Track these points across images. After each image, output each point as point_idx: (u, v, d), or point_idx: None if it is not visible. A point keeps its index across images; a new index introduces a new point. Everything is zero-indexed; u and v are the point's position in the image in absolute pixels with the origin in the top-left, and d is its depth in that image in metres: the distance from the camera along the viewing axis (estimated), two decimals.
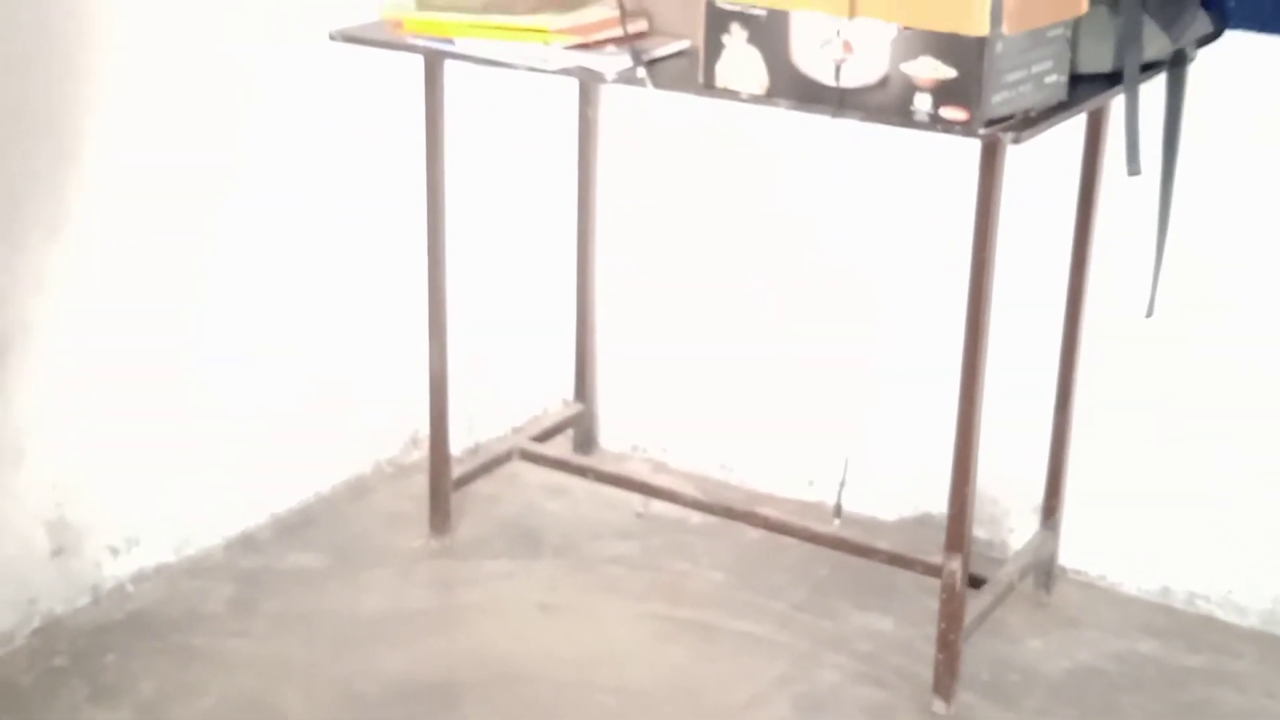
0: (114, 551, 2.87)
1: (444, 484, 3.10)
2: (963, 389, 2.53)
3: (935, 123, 2.24)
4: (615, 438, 3.57)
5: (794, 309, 3.26)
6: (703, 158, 3.28)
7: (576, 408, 3.51)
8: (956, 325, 2.51)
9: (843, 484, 2.88)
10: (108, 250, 2.73)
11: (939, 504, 3.15)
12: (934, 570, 2.73)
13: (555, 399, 3.62)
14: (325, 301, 3.19)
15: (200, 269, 2.91)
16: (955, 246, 2.67)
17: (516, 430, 3.55)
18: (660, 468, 3.49)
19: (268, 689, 2.64)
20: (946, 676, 2.64)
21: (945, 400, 2.75)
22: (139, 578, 2.92)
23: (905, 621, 2.92)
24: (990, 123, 2.23)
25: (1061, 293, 2.87)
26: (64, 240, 2.65)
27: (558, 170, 3.42)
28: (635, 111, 3.30)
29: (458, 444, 3.27)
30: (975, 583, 2.72)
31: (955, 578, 2.59)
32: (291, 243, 3.08)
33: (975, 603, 2.69)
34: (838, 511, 2.86)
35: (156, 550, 2.95)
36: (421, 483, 3.18)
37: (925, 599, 2.94)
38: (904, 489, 3.24)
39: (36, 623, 2.75)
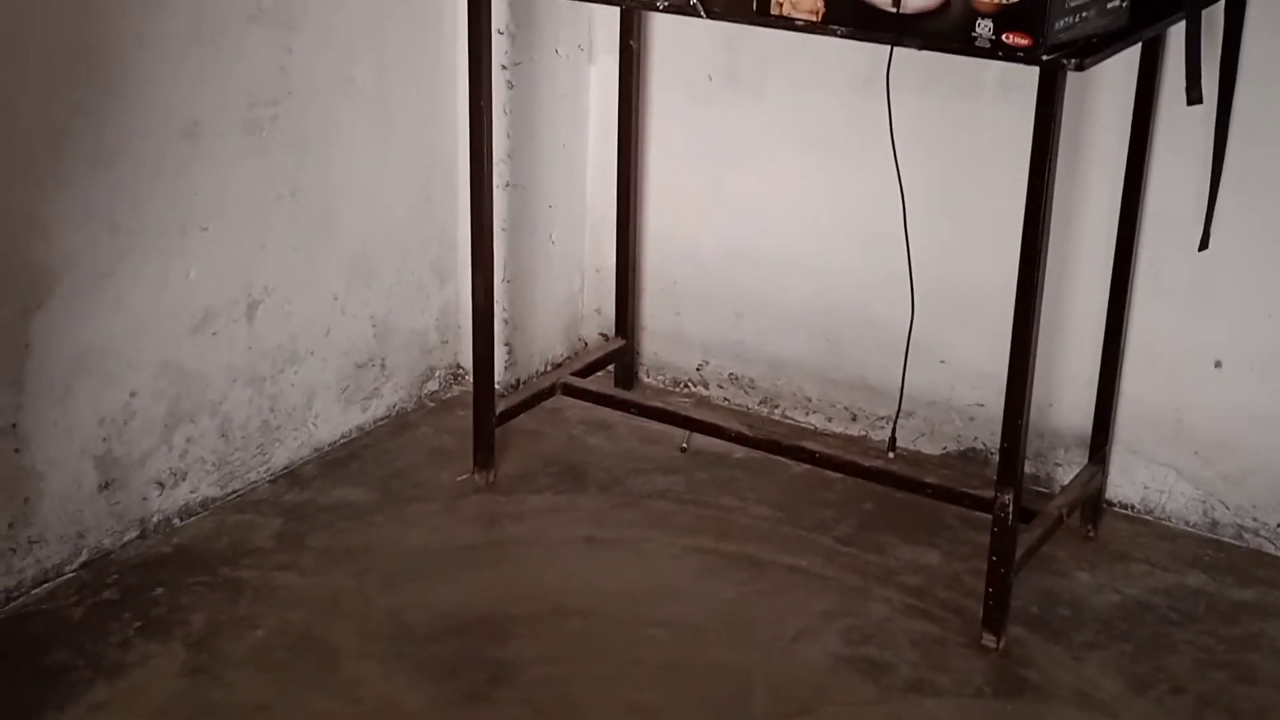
0: (160, 486, 2.87)
1: (487, 419, 3.08)
2: (1016, 322, 2.50)
3: (997, 49, 2.20)
4: (657, 373, 3.56)
5: (837, 238, 3.23)
6: (743, 86, 3.25)
7: (618, 343, 3.49)
8: (1009, 256, 2.48)
9: (897, 416, 2.86)
10: (152, 184, 2.71)
11: (986, 438, 3.15)
12: (983, 504, 2.72)
13: (594, 335, 3.61)
14: (370, 237, 3.17)
15: (249, 202, 2.89)
16: (1008, 175, 2.64)
17: (558, 365, 3.54)
18: (702, 403, 3.48)
19: (318, 621, 2.64)
20: (997, 610, 2.63)
21: (996, 333, 2.74)
22: (186, 512, 2.93)
23: (952, 556, 2.91)
24: (1052, 49, 2.20)
25: (1113, 225, 2.84)
26: (110, 174, 2.63)
27: (603, 101, 3.39)
28: (683, 39, 3.27)
29: (498, 379, 3.26)
30: (1024, 517, 2.70)
31: (1007, 511, 2.57)
32: (333, 174, 3.06)
33: (1024, 537, 2.68)
34: (891, 445, 2.85)
35: (202, 485, 2.95)
36: (464, 418, 3.17)
37: (972, 533, 2.93)
38: (950, 423, 3.22)
39: (85, 556, 2.75)
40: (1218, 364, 2.90)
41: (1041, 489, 3.10)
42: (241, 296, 2.94)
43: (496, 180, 3.09)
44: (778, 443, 3.08)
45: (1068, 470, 3.09)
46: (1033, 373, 2.55)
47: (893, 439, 2.86)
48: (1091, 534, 2.99)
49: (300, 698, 2.45)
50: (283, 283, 3.01)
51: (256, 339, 2.99)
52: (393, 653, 2.57)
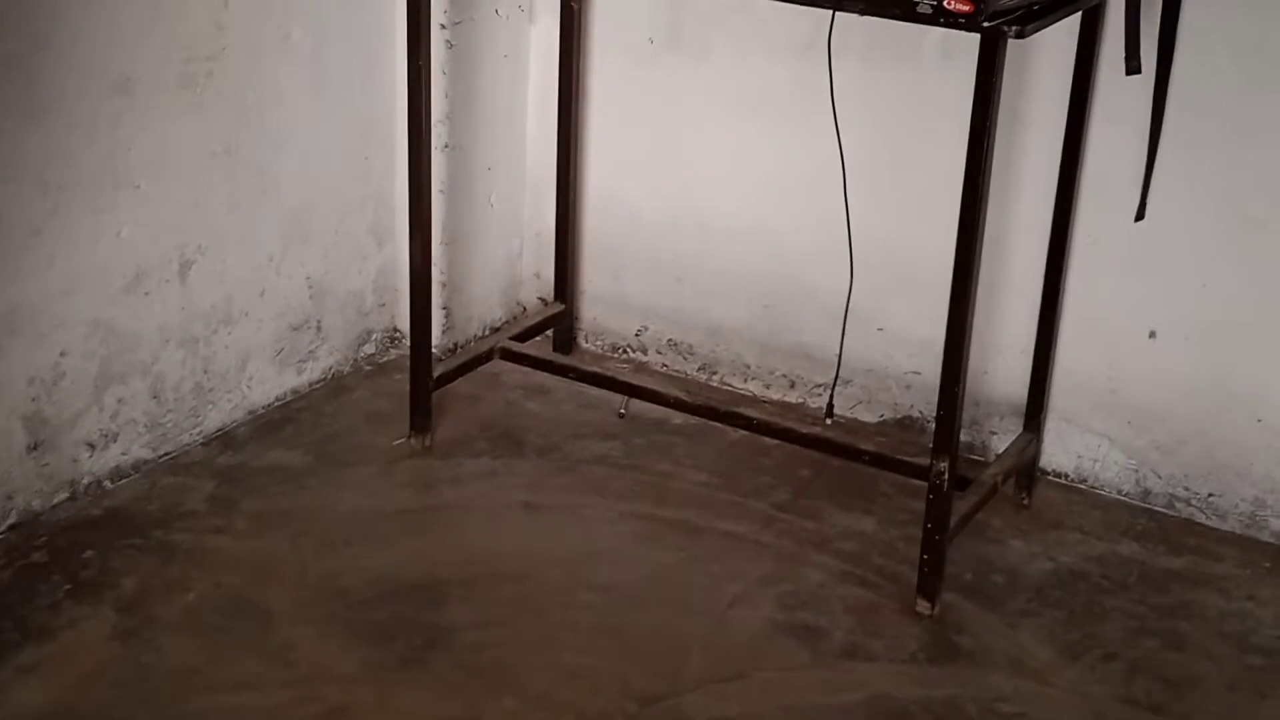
0: (91, 448, 2.83)
1: (424, 383, 3.06)
2: (954, 290, 2.51)
3: (939, 15, 2.20)
4: (596, 339, 3.55)
5: (778, 205, 3.23)
6: (686, 50, 3.23)
7: (557, 307, 3.47)
8: (948, 224, 2.49)
9: (834, 384, 2.87)
10: (84, 140, 2.66)
11: (922, 406, 3.16)
12: (920, 472, 2.73)
13: (533, 299, 3.59)
14: (307, 197, 3.14)
15: (183, 160, 2.85)
16: (947, 144, 2.64)
17: (496, 330, 3.52)
18: (641, 369, 3.47)
19: (251, 586, 2.62)
20: (932, 577, 2.64)
21: (933, 301, 2.75)
22: (117, 474, 2.89)
23: (888, 523, 2.92)
24: (994, 15, 2.19)
25: (1051, 194, 2.85)
26: (41, 129, 2.58)
27: (544, 63, 3.36)
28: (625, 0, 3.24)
29: (435, 343, 3.24)
30: (959, 484, 2.71)
31: (943, 479, 2.58)
32: (269, 133, 3.02)
33: (959, 504, 2.69)
34: (829, 412, 2.86)
35: (134, 447, 2.91)
36: (401, 382, 3.14)
37: (907, 500, 2.95)
38: (887, 391, 3.23)
39: (14, 518, 2.71)
40: (1152, 334, 2.93)
41: (977, 457, 3.12)
42: (175, 255, 2.90)
43: (435, 141, 3.06)
44: (715, 409, 3.09)
45: (1003, 438, 3.10)
46: (969, 341, 2.56)
47: (830, 406, 2.87)
48: (1026, 502, 3.01)
49: (232, 661, 2.42)
50: (217, 242, 2.97)
51: (190, 299, 2.95)
52: (327, 616, 2.55)
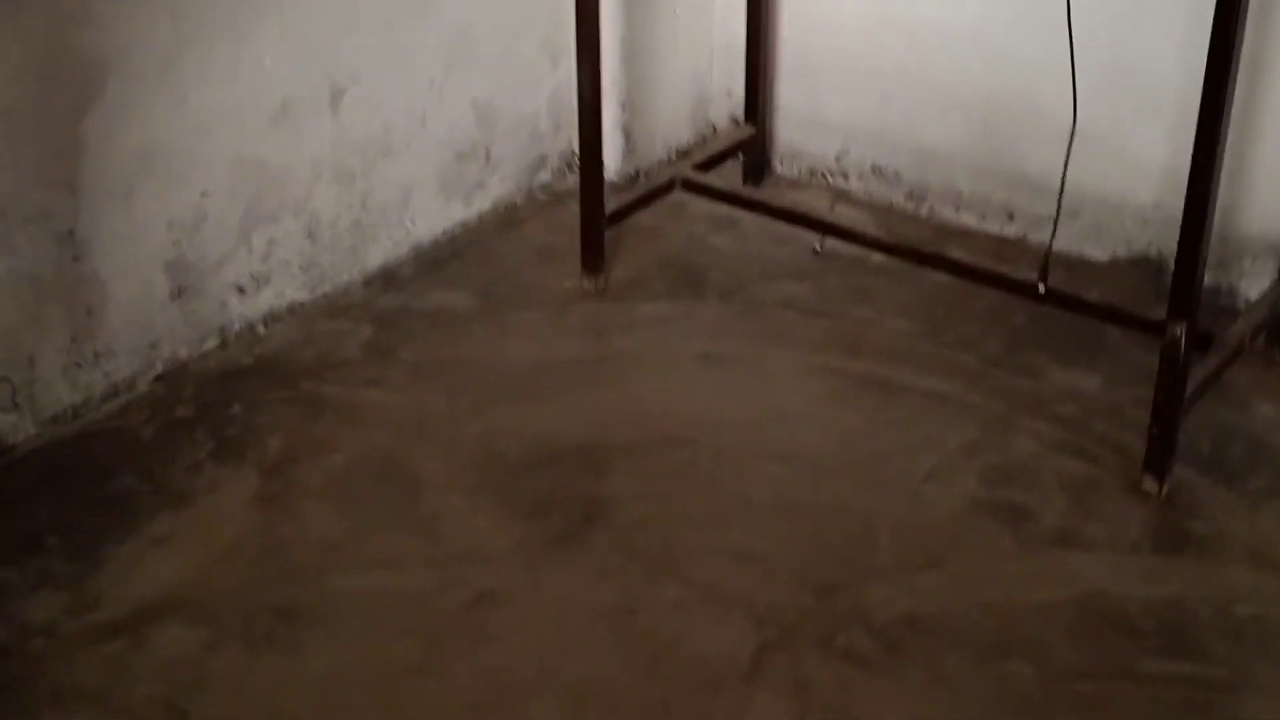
0: (241, 291, 2.65)
1: (597, 217, 2.79)
2: (1203, 110, 2.10)
3: None
4: (792, 163, 3.21)
5: (1000, 7, 2.82)
6: None
7: (748, 130, 3.14)
8: (1198, 33, 2.08)
9: (1054, 232, 2.49)
10: None
11: (1162, 244, 2.77)
12: (1154, 327, 2.36)
13: (725, 119, 3.27)
14: (472, 13, 2.86)
15: None
16: None
17: (683, 154, 3.21)
18: (840, 197, 3.14)
19: (402, 447, 2.42)
20: (1161, 454, 2.30)
21: (1178, 123, 2.35)
22: (270, 318, 2.72)
23: (1114, 380, 2.57)
24: None
25: None
26: None
27: None
28: None
29: (615, 170, 2.96)
30: (1200, 344, 2.34)
31: (1178, 346, 2.22)
32: None
33: (1198, 369, 2.33)
34: (1043, 275, 2.48)
35: (288, 289, 2.73)
36: (578, 212, 2.87)
37: (1138, 354, 2.59)
38: (1120, 226, 2.84)
39: (160, 368, 2.56)
40: None
41: (1223, 304, 2.72)
42: (324, 84, 2.66)
43: None
44: (918, 250, 2.75)
45: (1254, 282, 2.70)
46: (1219, 172, 2.16)
47: (1044, 266, 2.48)
48: (1277, 359, 2.62)
49: (376, 535, 2.24)
50: (371, 67, 2.72)
51: (343, 130, 2.72)
52: (479, 484, 2.35)
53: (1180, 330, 2.21)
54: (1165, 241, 2.76)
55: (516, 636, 2.06)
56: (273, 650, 2.03)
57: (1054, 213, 2.47)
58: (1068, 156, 2.38)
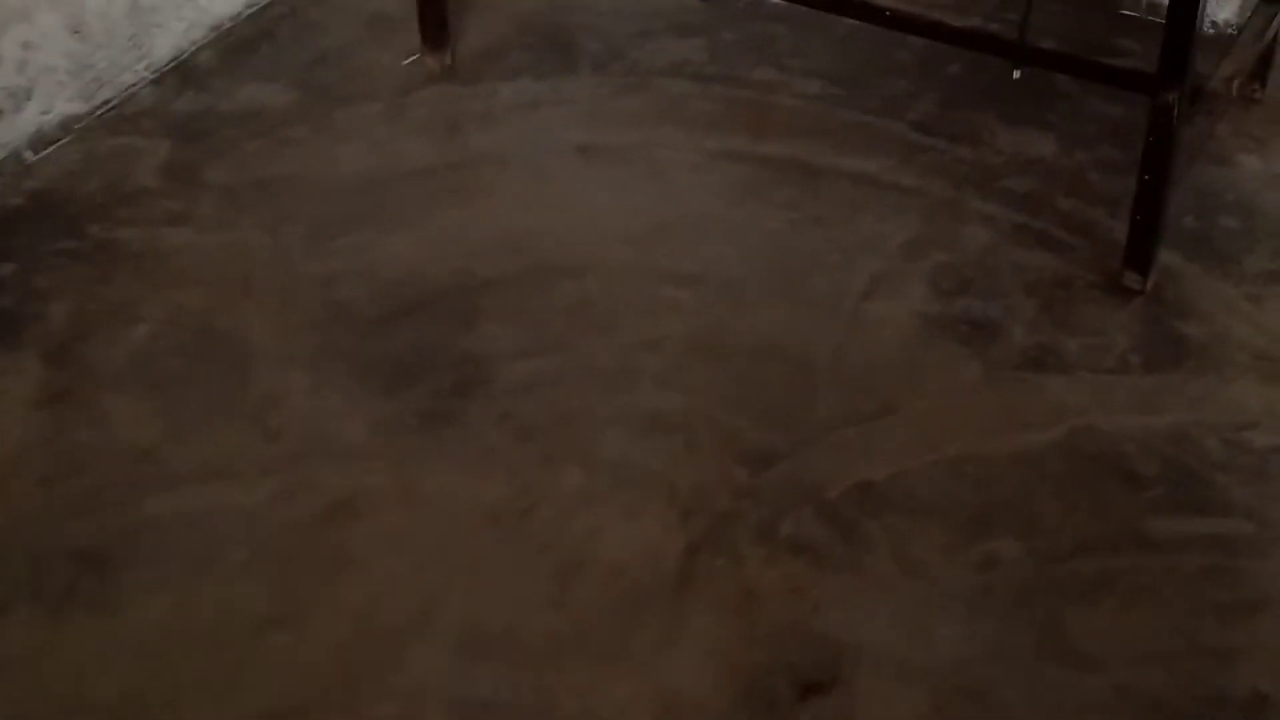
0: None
1: None
2: None
3: None
4: None
5: None
6: None
7: None
8: None
9: None
10: None
11: None
12: (1135, 81, 1.92)
13: None
14: None
15: None
16: None
17: None
18: None
19: (221, 307, 1.95)
20: (1145, 242, 1.91)
21: None
22: (39, 140, 2.18)
23: (1072, 140, 2.17)
24: None
25: None
26: None
27: None
28: None
29: None
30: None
31: (1170, 115, 1.79)
32: None
33: (1183, 130, 1.91)
34: (1022, 30, 1.97)
35: (58, 101, 2.19)
36: None
37: (1096, 104, 2.17)
38: None
39: None
40: None
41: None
42: None
43: None
44: None
45: (1225, 5, 2.27)
46: None
47: (1029, 3, 1.99)
48: (1257, 94, 2.22)
49: (197, 434, 1.78)
50: None
51: None
52: (323, 350, 1.89)
53: (1174, 99, 1.77)
54: None
55: (384, 559, 1.65)
56: (75, 611, 1.59)
57: None
58: None
